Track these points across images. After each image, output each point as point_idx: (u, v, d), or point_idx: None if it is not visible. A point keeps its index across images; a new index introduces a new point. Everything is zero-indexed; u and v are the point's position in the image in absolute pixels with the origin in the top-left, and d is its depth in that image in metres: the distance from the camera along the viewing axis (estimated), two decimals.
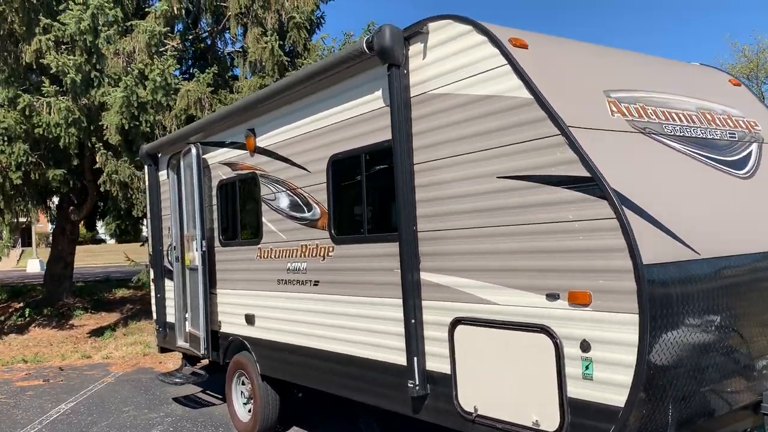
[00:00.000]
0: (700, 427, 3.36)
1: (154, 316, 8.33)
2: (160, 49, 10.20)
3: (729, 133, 4.18)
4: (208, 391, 8.32)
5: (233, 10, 11.38)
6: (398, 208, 4.15)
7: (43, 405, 8.07)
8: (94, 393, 8.57)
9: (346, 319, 4.84)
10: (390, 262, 4.38)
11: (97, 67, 9.99)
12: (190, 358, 7.93)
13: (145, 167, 8.30)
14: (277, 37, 10.87)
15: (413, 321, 4.10)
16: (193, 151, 6.74)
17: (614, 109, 3.64)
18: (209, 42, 13.47)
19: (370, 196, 4.65)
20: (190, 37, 12.90)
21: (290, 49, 11.89)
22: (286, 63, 11.24)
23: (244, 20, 11.70)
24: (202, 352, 6.66)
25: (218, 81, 11.55)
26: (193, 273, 7.10)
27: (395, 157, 4.15)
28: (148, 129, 9.63)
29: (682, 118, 3.96)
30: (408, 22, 4.25)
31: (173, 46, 10.99)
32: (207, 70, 10.82)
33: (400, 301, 4.28)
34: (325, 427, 6.57)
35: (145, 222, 11.48)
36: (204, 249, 6.66)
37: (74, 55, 9.81)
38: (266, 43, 10.75)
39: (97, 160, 10.25)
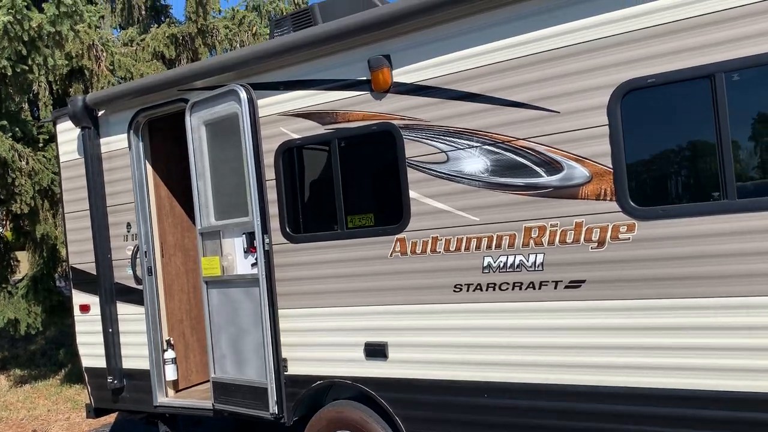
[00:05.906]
0: None
1: (94, 362, 5.41)
2: None
3: None
4: None
5: None
6: None
7: None
8: None
9: (687, 335, 3.11)
10: None
11: None
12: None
13: (76, 133, 5.34)
14: None
15: None
16: (243, 95, 4.27)
17: None
18: None
19: (750, 140, 2.98)
20: None
21: None
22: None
23: None
24: (273, 410, 4.23)
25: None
26: (221, 288, 4.59)
27: None
28: (43, 75, 6.28)
29: None
30: None
31: None
32: (93, 7, 7.63)
33: None
34: None
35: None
36: (267, 248, 4.26)
37: None
38: None
39: None
